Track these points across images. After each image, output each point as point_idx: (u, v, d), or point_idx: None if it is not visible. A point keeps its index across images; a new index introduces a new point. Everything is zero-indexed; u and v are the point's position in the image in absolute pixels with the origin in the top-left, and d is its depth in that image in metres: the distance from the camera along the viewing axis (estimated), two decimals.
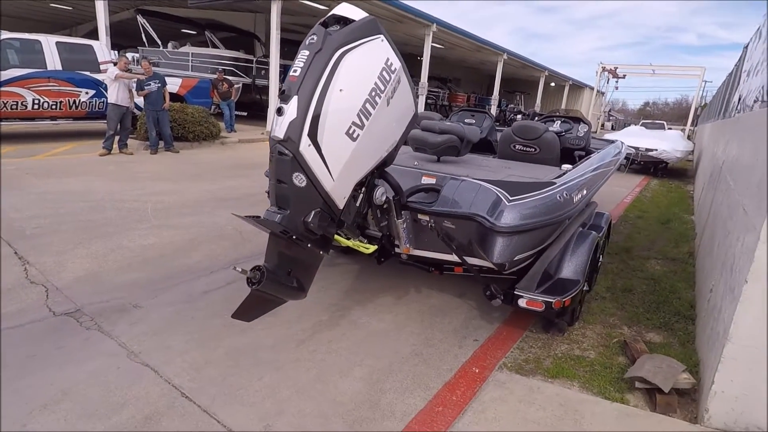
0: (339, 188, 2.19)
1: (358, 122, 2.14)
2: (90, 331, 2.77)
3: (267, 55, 14.25)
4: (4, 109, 8.08)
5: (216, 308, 3.12)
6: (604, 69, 30.80)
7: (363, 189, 2.50)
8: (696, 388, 2.49)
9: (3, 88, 7.97)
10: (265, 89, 14.47)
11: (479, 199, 2.69)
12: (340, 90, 2.05)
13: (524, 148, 4.40)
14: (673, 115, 58.66)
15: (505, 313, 3.34)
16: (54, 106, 8.70)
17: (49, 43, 8.63)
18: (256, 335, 2.83)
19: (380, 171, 2.59)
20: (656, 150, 11.33)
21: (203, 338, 2.77)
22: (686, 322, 3.37)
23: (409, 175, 3.10)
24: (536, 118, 6.64)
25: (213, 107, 12.37)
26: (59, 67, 8.67)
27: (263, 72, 14.86)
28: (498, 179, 2.97)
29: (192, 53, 15.37)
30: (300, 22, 16.36)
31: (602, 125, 33.41)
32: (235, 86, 12.98)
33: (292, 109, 2.00)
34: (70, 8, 19.61)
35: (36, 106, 8.47)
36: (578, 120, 5.66)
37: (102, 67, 9.17)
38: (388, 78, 2.25)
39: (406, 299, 3.51)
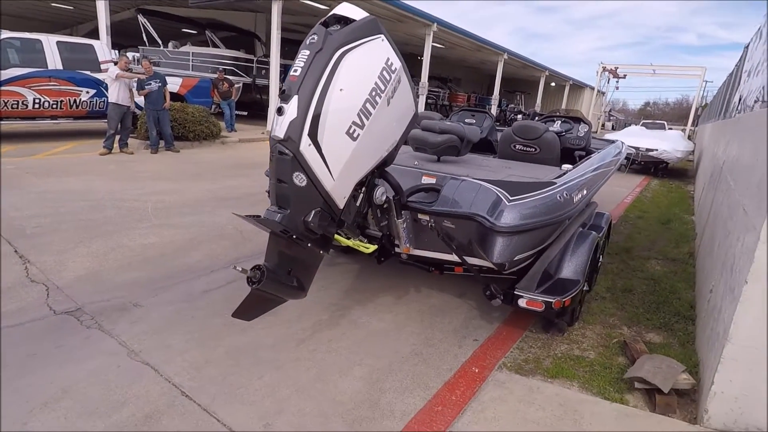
0: (339, 188, 2.19)
1: (359, 122, 2.14)
2: (90, 330, 2.77)
3: (267, 55, 14.26)
4: (5, 108, 8.09)
5: (216, 307, 3.12)
6: (604, 69, 30.77)
7: (363, 188, 2.50)
8: (696, 389, 2.49)
9: (4, 88, 7.97)
10: (265, 89, 14.48)
11: (479, 199, 2.69)
12: (341, 90, 2.05)
13: (524, 148, 4.41)
14: (674, 115, 58.64)
15: (505, 313, 3.34)
16: (55, 106, 8.71)
17: (49, 42, 8.63)
18: (257, 334, 2.83)
19: (380, 171, 2.59)
20: (657, 150, 11.33)
21: (203, 337, 2.78)
22: (686, 323, 3.37)
23: (409, 175, 3.10)
24: (536, 118, 6.64)
25: (213, 107, 12.38)
26: (60, 67, 8.67)
27: (264, 71, 14.88)
28: (498, 179, 2.97)
29: (192, 53, 15.37)
30: (301, 21, 16.37)
31: (602, 125, 33.38)
32: (236, 86, 12.99)
33: (292, 108, 2.00)
34: (71, 8, 19.64)
35: (37, 106, 8.47)
36: (578, 120, 5.66)
37: (103, 66, 9.17)
38: (388, 78, 2.25)
39: (406, 299, 3.51)
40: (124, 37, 20.25)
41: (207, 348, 2.67)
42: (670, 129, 16.73)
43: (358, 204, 2.50)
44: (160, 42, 15.76)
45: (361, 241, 2.92)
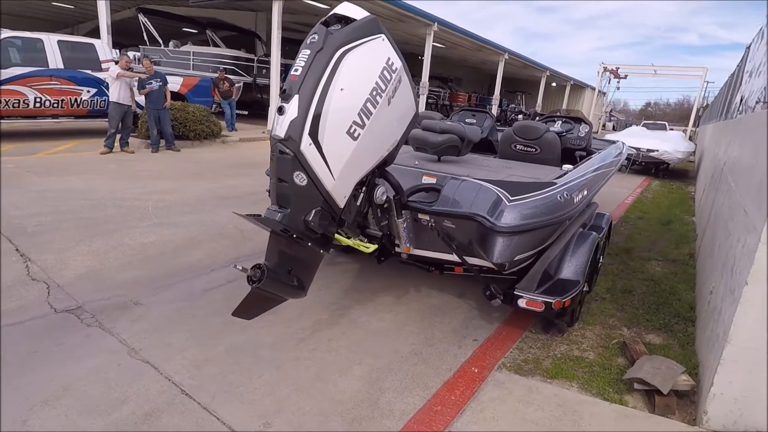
0: (340, 187, 2.19)
1: (359, 121, 2.14)
2: (91, 328, 2.78)
3: (268, 54, 14.27)
4: (6, 107, 8.10)
5: (216, 306, 3.13)
6: (605, 69, 30.76)
7: (363, 188, 2.50)
8: (695, 390, 2.49)
9: (5, 87, 7.98)
10: (266, 88, 14.49)
11: (480, 199, 2.69)
12: (341, 89, 2.06)
13: (525, 148, 4.41)
14: (675, 115, 58.60)
15: (505, 314, 3.35)
16: (56, 105, 8.72)
17: (51, 41, 8.64)
18: (256, 333, 2.83)
19: (381, 170, 2.59)
20: (657, 151, 11.32)
21: (203, 336, 2.78)
22: (686, 324, 3.37)
23: (409, 175, 3.10)
24: (537, 118, 6.64)
25: (214, 106, 12.39)
26: (61, 66, 8.68)
27: (264, 71, 14.88)
28: (498, 179, 2.97)
29: (193, 52, 15.38)
30: (301, 21, 16.38)
31: (603, 126, 33.39)
32: (236, 85, 12.99)
33: (293, 108, 2.00)
34: (72, 7, 19.67)
35: (38, 105, 8.48)
36: (579, 120, 5.65)
37: (103, 65, 9.18)
38: (389, 77, 2.25)
39: (406, 299, 3.51)
40: (124, 37, 20.27)
41: (207, 346, 2.68)
42: (671, 130, 16.73)
43: (358, 203, 2.50)
44: (160, 41, 15.77)
45: (361, 240, 2.92)
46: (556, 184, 3.06)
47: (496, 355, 2.83)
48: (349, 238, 2.87)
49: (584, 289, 3.14)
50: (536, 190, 2.87)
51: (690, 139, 17.40)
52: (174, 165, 7.85)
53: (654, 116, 62.57)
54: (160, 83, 8.53)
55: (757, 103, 4.37)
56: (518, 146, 4.43)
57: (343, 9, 2.21)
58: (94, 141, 9.01)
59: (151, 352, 2.57)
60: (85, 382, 2.29)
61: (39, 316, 2.86)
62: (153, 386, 2.31)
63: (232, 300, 2.83)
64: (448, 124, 3.83)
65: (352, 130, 2.13)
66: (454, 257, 2.94)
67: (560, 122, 5.69)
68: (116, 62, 8.59)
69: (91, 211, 4.87)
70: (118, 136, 8.38)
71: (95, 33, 12.18)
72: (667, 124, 18.86)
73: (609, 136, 10.59)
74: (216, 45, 16.48)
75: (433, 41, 17.71)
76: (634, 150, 8.59)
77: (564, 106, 33.43)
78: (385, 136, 2.37)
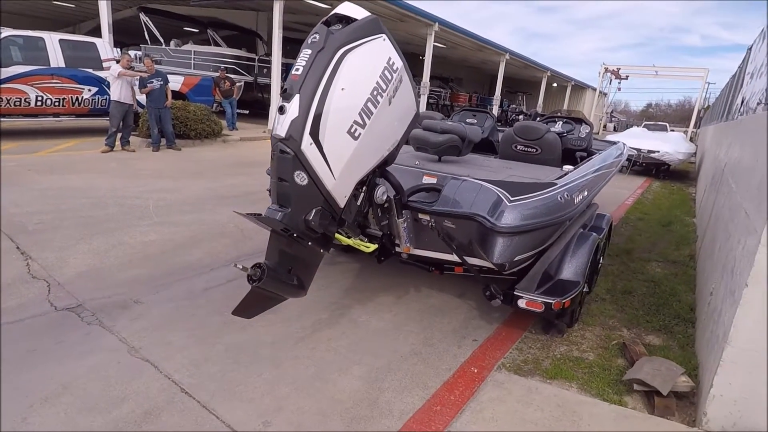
0: (340, 187, 2.19)
1: (360, 121, 2.15)
2: (91, 327, 2.78)
3: (269, 54, 14.28)
4: (7, 105, 8.11)
5: (216, 305, 3.13)
6: (606, 70, 30.72)
7: (364, 188, 2.51)
8: (695, 392, 2.49)
9: (6, 85, 7.99)
10: (267, 87, 14.50)
11: (480, 199, 2.69)
12: (342, 89, 2.06)
13: (526, 149, 4.40)
14: (676, 116, 58.58)
15: (505, 314, 3.35)
16: (57, 103, 8.72)
17: (52, 40, 8.65)
18: (256, 332, 2.84)
19: (381, 170, 2.59)
20: (658, 152, 11.31)
21: (203, 334, 2.78)
22: (686, 325, 3.37)
23: (410, 175, 3.10)
24: (538, 119, 6.64)
25: (215, 105, 12.39)
26: (62, 65, 8.68)
27: (265, 70, 14.89)
28: (499, 179, 2.97)
29: (194, 51, 15.37)
30: (302, 20, 16.39)
31: (604, 126, 33.33)
32: (237, 84, 12.98)
33: (294, 107, 2.00)
34: (73, 6, 19.68)
35: (39, 103, 8.49)
36: (580, 121, 5.65)
37: (105, 64, 9.19)
38: (389, 77, 2.25)
39: (406, 298, 3.51)
40: (126, 36, 20.28)
41: (207, 345, 2.68)
42: (672, 131, 16.71)
43: (358, 203, 2.51)
44: (162, 40, 15.77)
45: (361, 240, 2.93)
46: (556, 184, 3.06)
47: (495, 356, 2.83)
48: (349, 237, 2.87)
49: (584, 289, 3.14)
50: (537, 190, 2.87)
51: (691, 140, 17.40)
52: (175, 164, 7.86)
53: (655, 117, 62.48)
54: (162, 82, 8.53)
55: (758, 104, 4.37)
56: (519, 147, 4.43)
57: (344, 9, 2.21)
58: (95, 140, 9.01)
59: (150, 351, 2.58)
60: (85, 380, 2.30)
61: (39, 314, 2.86)
62: (153, 384, 2.31)
63: (232, 299, 2.83)
64: (448, 124, 3.83)
65: (352, 130, 2.13)
66: (454, 257, 2.94)
67: (561, 123, 5.68)
68: (117, 61, 8.60)
69: (91, 210, 4.87)
70: (119, 135, 8.40)
71: (96, 32, 12.18)
72: (668, 125, 18.84)
73: (610, 137, 10.59)
74: (217, 44, 16.48)
75: (434, 41, 17.71)
76: (635, 151, 8.58)
77: (565, 107, 33.43)
78: (385, 135, 2.37)
